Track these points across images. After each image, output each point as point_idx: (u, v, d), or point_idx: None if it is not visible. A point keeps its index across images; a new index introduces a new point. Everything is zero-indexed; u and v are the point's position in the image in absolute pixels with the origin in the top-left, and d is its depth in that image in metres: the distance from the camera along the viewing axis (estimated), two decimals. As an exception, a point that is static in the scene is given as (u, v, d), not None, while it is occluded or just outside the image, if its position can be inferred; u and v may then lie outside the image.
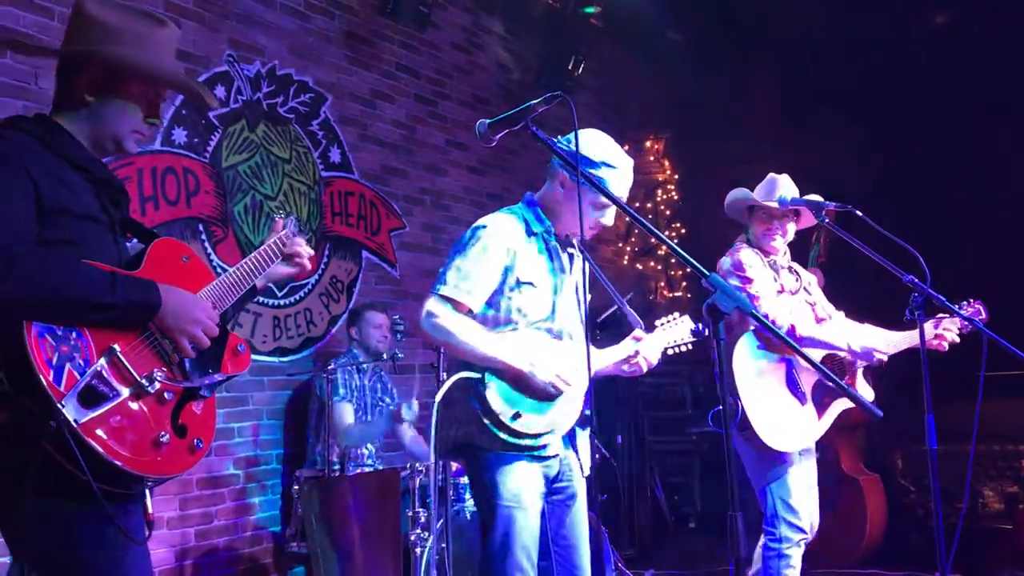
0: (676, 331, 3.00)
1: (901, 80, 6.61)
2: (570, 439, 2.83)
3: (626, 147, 8.28)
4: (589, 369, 2.37)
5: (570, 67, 6.55)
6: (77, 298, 1.88)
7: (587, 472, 2.86)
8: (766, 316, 3.36)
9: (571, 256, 2.90)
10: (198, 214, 4.43)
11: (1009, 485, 6.87)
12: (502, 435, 2.62)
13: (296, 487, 3.91)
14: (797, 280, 3.72)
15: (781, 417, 3.48)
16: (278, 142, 4.88)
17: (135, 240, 2.23)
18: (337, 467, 4.16)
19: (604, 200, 2.74)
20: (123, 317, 1.95)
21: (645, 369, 2.89)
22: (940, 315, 3.44)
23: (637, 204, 7.98)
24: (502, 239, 2.73)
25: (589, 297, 2.95)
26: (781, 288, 3.61)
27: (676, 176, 7.97)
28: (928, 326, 3.36)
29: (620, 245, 7.92)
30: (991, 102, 5.98)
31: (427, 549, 3.73)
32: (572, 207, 2.71)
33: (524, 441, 2.64)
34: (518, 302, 2.73)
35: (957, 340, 3.43)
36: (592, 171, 2.67)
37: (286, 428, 4.75)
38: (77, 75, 2.08)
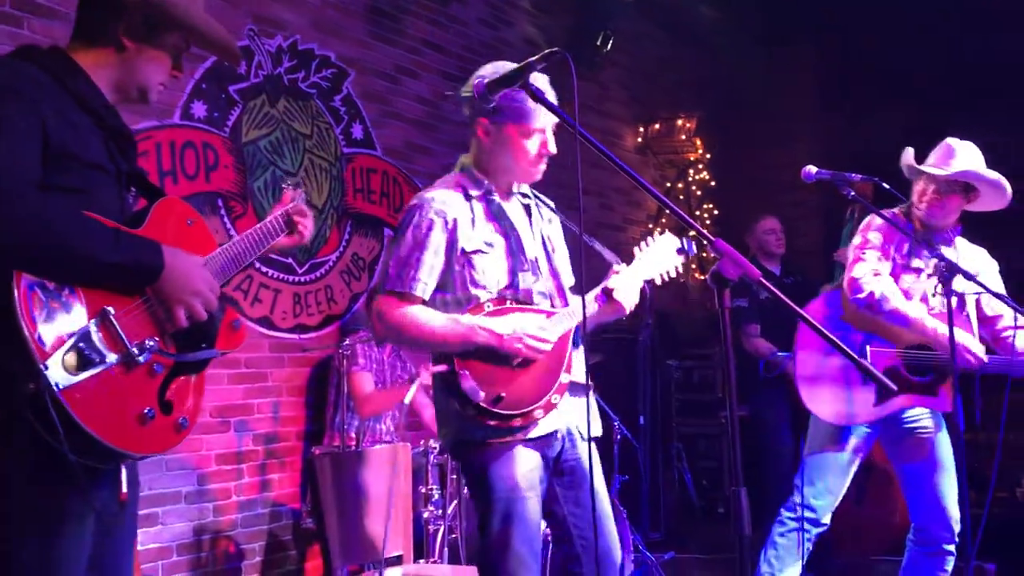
0: (658, 254, 2.68)
1: (942, 55, 6.41)
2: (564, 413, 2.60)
3: (657, 125, 8.13)
4: (584, 322, 2.23)
5: (599, 43, 6.42)
6: (77, 252, 1.76)
7: (587, 435, 2.57)
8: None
9: (527, 208, 2.68)
10: (217, 189, 4.41)
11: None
12: (491, 423, 2.45)
13: (309, 461, 3.89)
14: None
15: (834, 385, 3.31)
16: (299, 117, 4.84)
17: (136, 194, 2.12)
18: (355, 442, 4.14)
19: (533, 126, 2.53)
20: (122, 278, 1.84)
21: (629, 308, 2.63)
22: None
23: (668, 184, 7.86)
24: (437, 213, 2.53)
25: (563, 253, 2.75)
26: (905, 265, 3.33)
27: (708, 156, 7.83)
28: None
29: (650, 226, 7.80)
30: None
31: (441, 527, 3.69)
32: (502, 153, 2.56)
33: (515, 423, 2.46)
34: (471, 274, 2.53)
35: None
36: (502, 103, 2.46)
37: (306, 405, 4.72)
38: (116, 17, 1.95)
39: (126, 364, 1.84)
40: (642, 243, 2.73)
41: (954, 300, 3.20)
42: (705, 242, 1.80)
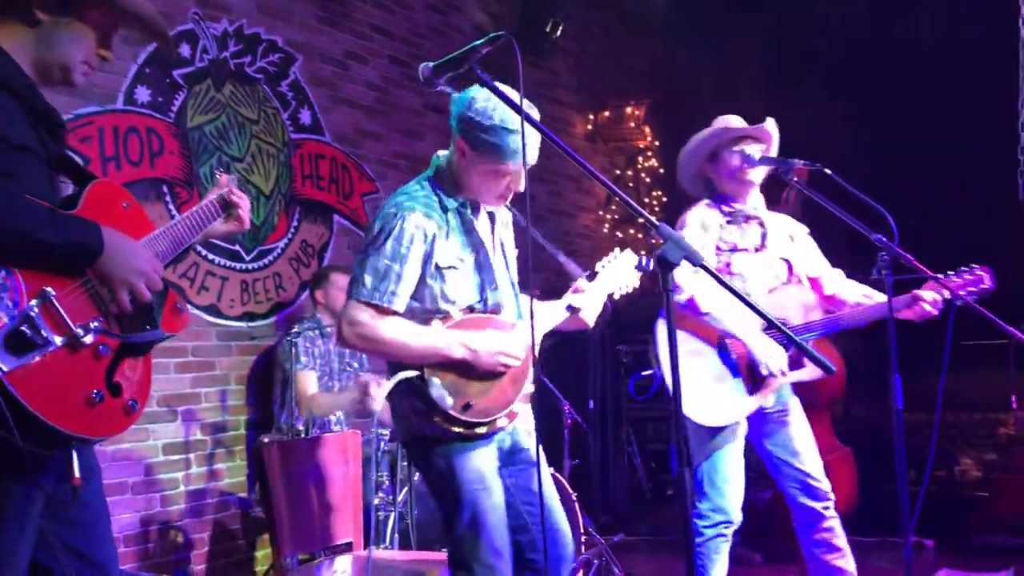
0: (619, 272, 2.79)
1: (888, 43, 6.53)
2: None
3: (607, 112, 8.18)
4: (533, 342, 2.27)
5: (548, 30, 6.43)
6: (13, 232, 1.72)
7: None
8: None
9: (491, 216, 2.68)
10: (162, 175, 4.34)
11: (987, 453, 6.91)
12: (455, 429, 2.47)
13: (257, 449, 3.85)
14: (763, 235, 3.47)
15: (706, 389, 3.29)
16: (246, 102, 4.78)
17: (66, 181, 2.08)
18: (303, 435, 4.11)
19: (510, 168, 2.52)
20: (61, 259, 1.81)
21: (591, 323, 2.74)
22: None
23: (618, 171, 7.91)
24: (417, 226, 2.49)
25: (515, 253, 2.77)
26: (734, 246, 3.40)
27: (657, 143, 7.89)
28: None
29: (600, 213, 7.86)
30: (979, 65, 5.90)
31: (392, 514, 3.70)
32: (473, 177, 2.53)
33: (479, 429, 2.50)
34: (442, 289, 2.53)
35: (931, 308, 3.20)
36: (485, 137, 2.46)
37: (254, 394, 4.68)
38: None
39: (71, 346, 1.82)
40: (604, 259, 2.83)
41: (784, 270, 3.39)
42: (650, 227, 1.82)
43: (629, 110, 7.84)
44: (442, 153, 2.68)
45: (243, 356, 4.67)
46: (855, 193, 2.89)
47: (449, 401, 2.45)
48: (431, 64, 2.03)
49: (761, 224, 3.50)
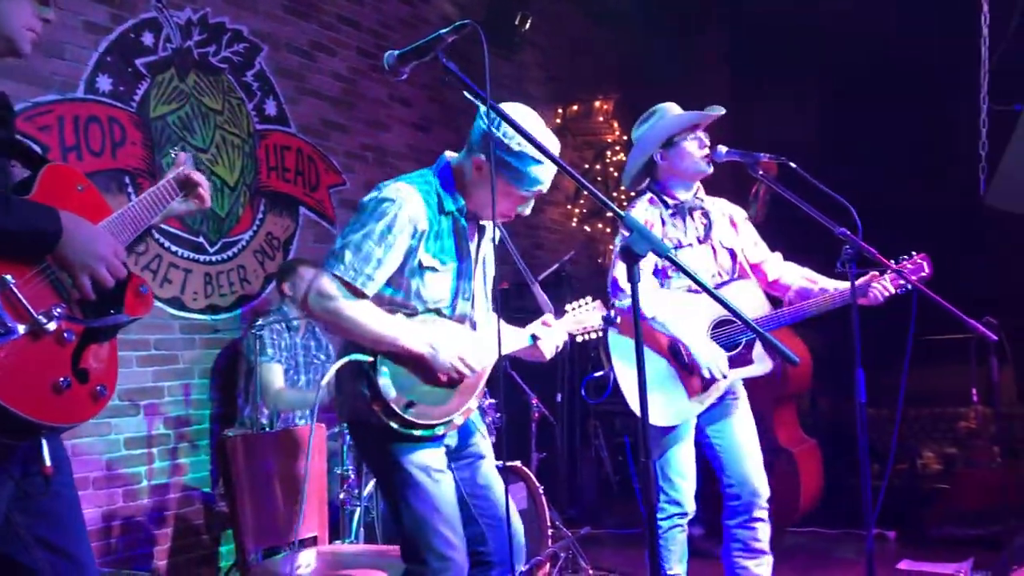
0: (586, 317, 2.86)
1: (853, 41, 6.59)
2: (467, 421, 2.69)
3: (576, 107, 8.16)
4: (500, 352, 2.28)
5: (517, 23, 6.41)
6: None
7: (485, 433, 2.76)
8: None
9: (481, 229, 2.68)
10: (124, 166, 4.27)
11: (948, 447, 7.01)
12: (393, 424, 2.44)
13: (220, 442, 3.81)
14: (707, 225, 3.47)
15: (656, 391, 3.29)
16: (210, 92, 4.72)
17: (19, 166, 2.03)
18: (267, 429, 4.07)
19: (523, 192, 2.54)
20: (18, 246, 1.77)
21: (548, 357, 2.77)
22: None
23: (586, 165, 7.92)
24: (411, 219, 2.47)
25: (492, 274, 2.80)
26: (678, 243, 3.39)
27: (625, 138, 7.90)
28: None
29: (569, 207, 7.86)
30: (942, 62, 5.98)
31: (357, 508, 3.67)
32: (484, 193, 2.50)
33: (416, 432, 2.47)
34: (417, 286, 2.52)
35: (882, 297, 3.23)
36: (509, 160, 2.46)
37: (217, 387, 4.63)
38: None
39: (34, 333, 1.80)
40: (575, 303, 2.90)
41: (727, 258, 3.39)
42: (617, 218, 1.81)
43: (598, 104, 7.85)
44: (450, 154, 2.66)
45: (207, 349, 4.62)
46: (819, 187, 2.91)
47: (392, 394, 2.43)
48: (396, 52, 2.01)
49: (705, 215, 3.48)
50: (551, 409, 5.10)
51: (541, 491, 4.08)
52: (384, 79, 5.78)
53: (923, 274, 3.26)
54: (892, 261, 3.24)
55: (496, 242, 2.84)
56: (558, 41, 7.52)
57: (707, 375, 3.27)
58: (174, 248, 4.46)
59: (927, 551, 4.93)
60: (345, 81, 5.54)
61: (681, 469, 3.37)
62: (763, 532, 3.39)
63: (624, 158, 7.90)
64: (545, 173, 2.51)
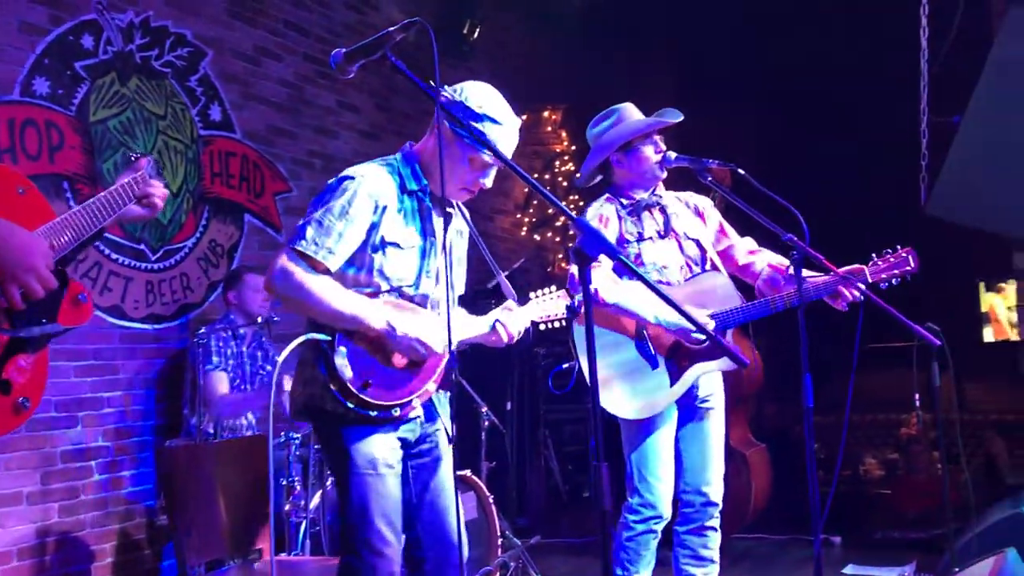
0: (549, 306, 2.85)
1: (798, 54, 6.70)
2: (433, 406, 2.67)
3: (524, 117, 8.21)
4: (450, 338, 2.25)
5: (465, 31, 6.40)
6: None
7: (451, 436, 2.67)
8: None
9: (449, 217, 2.68)
10: (63, 171, 4.15)
11: (890, 452, 7.14)
12: (350, 404, 2.44)
13: (161, 453, 3.71)
14: (665, 220, 3.43)
15: (625, 382, 3.27)
16: (152, 97, 4.62)
17: None
18: (212, 438, 3.98)
19: (485, 158, 2.53)
20: None
21: (505, 341, 2.73)
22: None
23: (536, 175, 7.93)
24: (371, 192, 2.49)
25: (462, 266, 2.79)
26: (640, 235, 3.37)
27: (573, 148, 7.93)
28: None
29: (518, 216, 7.86)
30: (883, 71, 6.11)
31: (304, 520, 3.61)
32: (448, 164, 2.48)
33: (372, 412, 2.46)
34: (380, 263, 2.52)
35: (847, 301, 3.21)
36: (472, 124, 2.45)
37: (159, 398, 4.52)
38: None
39: None
40: (540, 291, 2.87)
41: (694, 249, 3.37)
42: (568, 220, 1.80)
43: (546, 114, 7.87)
44: (413, 144, 2.69)
45: (148, 359, 4.51)
46: (767, 193, 2.93)
47: (348, 374, 2.43)
48: (343, 50, 1.98)
49: (663, 210, 3.46)
50: (501, 418, 5.07)
51: (491, 500, 4.05)
52: (333, 86, 5.73)
53: (908, 268, 3.24)
54: (875, 255, 3.26)
55: (462, 236, 2.81)
56: (506, 50, 7.52)
57: (701, 336, 3.16)
58: (114, 255, 4.35)
59: (872, 555, 5.01)
60: (292, 87, 5.47)
61: (657, 470, 3.29)
62: (713, 541, 3.39)
63: (573, 168, 7.94)
64: (503, 135, 2.52)
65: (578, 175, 3.63)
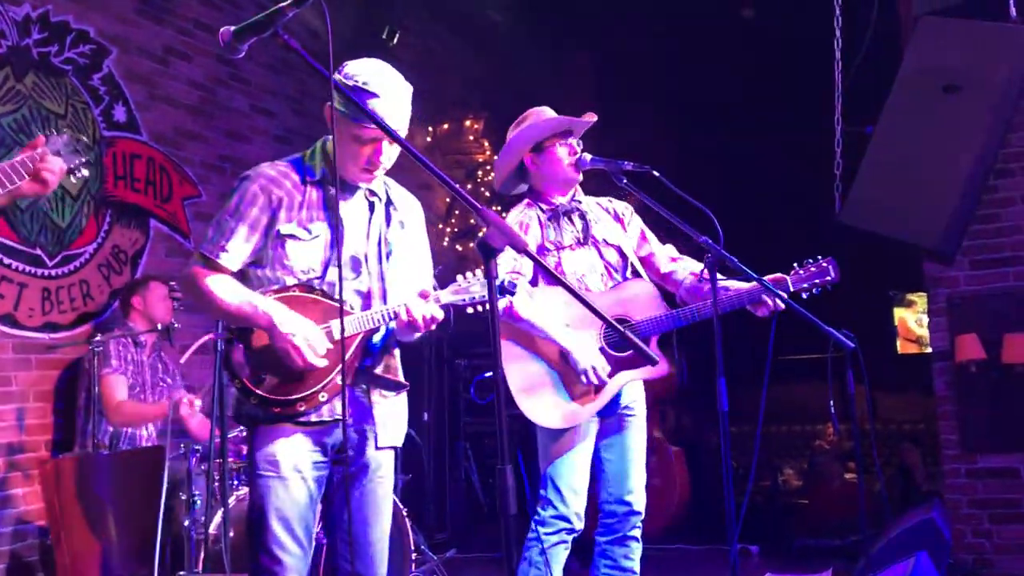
0: (474, 287, 2.68)
1: (716, 63, 6.76)
2: (365, 408, 2.53)
3: (446, 125, 8.09)
4: (344, 329, 2.17)
5: (384, 36, 6.30)
6: None
7: (384, 444, 2.54)
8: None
9: (371, 205, 2.59)
10: (-50, 170, 3.92)
11: (807, 463, 7.23)
12: (253, 401, 2.41)
13: (46, 465, 3.48)
14: (584, 227, 3.37)
15: (544, 392, 3.18)
16: (51, 95, 4.40)
17: None
18: (107, 450, 3.77)
19: (370, 132, 2.43)
20: None
21: (420, 322, 2.53)
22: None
23: (458, 185, 7.85)
24: (263, 189, 2.46)
25: (410, 259, 2.68)
26: (559, 244, 3.31)
27: (495, 158, 7.87)
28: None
29: (440, 226, 7.75)
30: (799, 81, 6.20)
31: (203, 537, 3.43)
32: (339, 147, 2.44)
33: (274, 408, 2.40)
34: (281, 257, 2.47)
35: (769, 309, 3.16)
36: (346, 98, 2.34)
37: (55, 412, 4.28)
38: None
39: None
40: (467, 273, 2.72)
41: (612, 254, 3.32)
42: (473, 211, 1.72)
43: (468, 123, 7.80)
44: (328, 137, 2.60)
45: (44, 371, 4.27)
46: (683, 196, 2.90)
47: (246, 371, 2.42)
48: (232, 28, 1.87)
49: (583, 216, 3.39)
50: (417, 429, 4.95)
51: (404, 513, 3.93)
52: (246, 89, 5.56)
53: (829, 278, 3.23)
54: (796, 264, 3.25)
55: (404, 227, 2.69)
56: (427, 58, 7.44)
57: (586, 380, 3.16)
58: (7, 260, 4.12)
59: (790, 563, 5.02)
60: (202, 89, 5.29)
61: (572, 482, 3.21)
62: (636, 551, 3.32)
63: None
64: (385, 108, 2.42)
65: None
